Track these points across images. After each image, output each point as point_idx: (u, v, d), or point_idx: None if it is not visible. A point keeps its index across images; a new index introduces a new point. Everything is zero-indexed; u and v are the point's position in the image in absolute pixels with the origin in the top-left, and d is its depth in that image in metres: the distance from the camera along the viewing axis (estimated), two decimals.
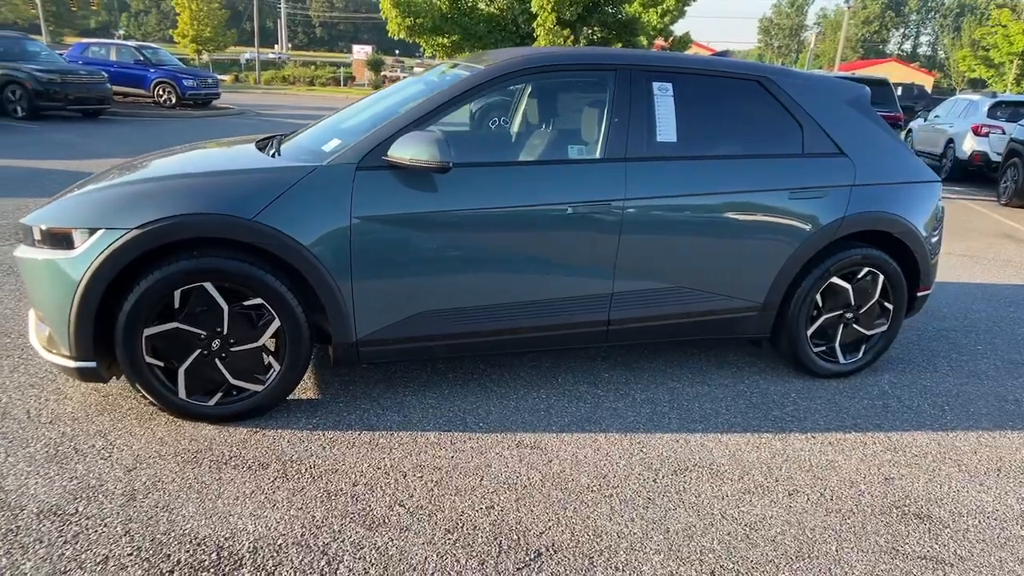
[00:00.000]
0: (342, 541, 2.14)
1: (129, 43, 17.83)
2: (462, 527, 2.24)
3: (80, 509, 2.19)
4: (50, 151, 9.30)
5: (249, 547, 2.09)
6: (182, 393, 2.67)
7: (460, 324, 2.91)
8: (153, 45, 19.93)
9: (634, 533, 2.26)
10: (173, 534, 2.11)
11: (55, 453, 2.48)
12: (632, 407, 3.12)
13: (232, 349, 2.67)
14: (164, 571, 1.97)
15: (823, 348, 3.53)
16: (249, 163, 2.92)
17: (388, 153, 2.66)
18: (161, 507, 2.23)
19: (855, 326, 3.53)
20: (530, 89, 3.76)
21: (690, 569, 2.12)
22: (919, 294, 3.63)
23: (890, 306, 3.55)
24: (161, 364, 2.63)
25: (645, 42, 10.33)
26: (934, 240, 3.60)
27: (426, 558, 2.09)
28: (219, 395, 2.72)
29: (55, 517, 2.14)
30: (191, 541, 2.09)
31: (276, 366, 2.75)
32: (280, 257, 2.61)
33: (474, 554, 2.12)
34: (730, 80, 3.27)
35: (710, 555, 2.18)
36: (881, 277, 3.46)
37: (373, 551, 2.11)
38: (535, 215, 2.88)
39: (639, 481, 2.56)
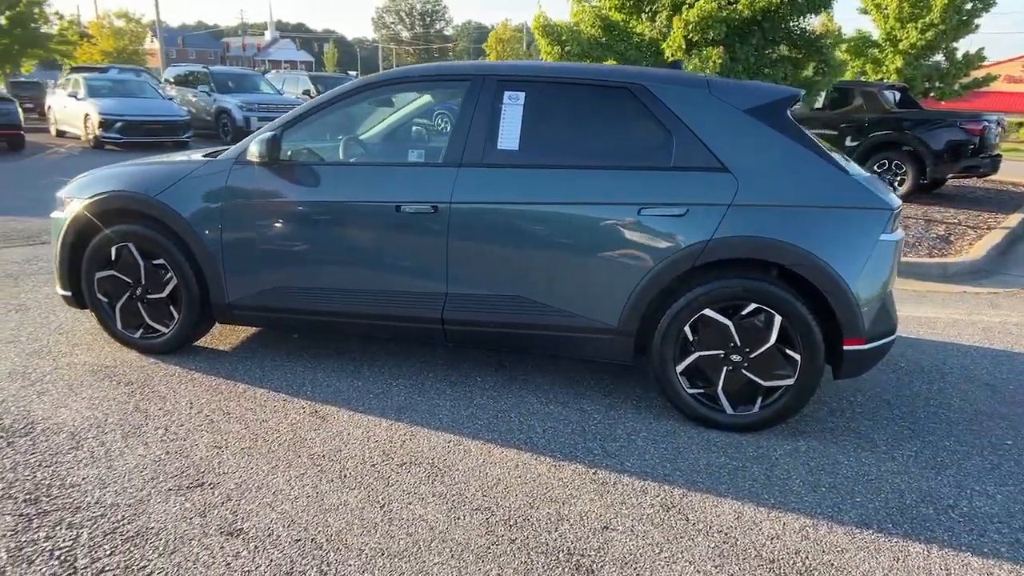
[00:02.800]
0: (115, 432, 2.78)
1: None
2: (184, 447, 2.71)
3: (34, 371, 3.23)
4: None
5: (50, 424, 2.86)
6: (119, 325, 3.62)
7: (310, 302, 3.35)
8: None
9: (314, 493, 2.47)
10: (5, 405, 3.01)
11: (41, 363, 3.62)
12: (449, 403, 3.18)
13: (148, 296, 3.53)
14: None
15: (701, 391, 3.06)
16: (175, 161, 3.75)
17: (246, 150, 3.26)
18: (39, 391, 3.15)
19: (745, 372, 2.99)
20: (410, 99, 3.93)
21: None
22: (846, 347, 2.91)
23: (796, 356, 2.92)
24: (107, 300, 3.61)
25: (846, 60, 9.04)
26: (871, 280, 2.86)
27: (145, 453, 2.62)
28: (141, 330, 3.60)
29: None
30: (25, 417, 2.95)
31: (176, 315, 3.53)
32: (170, 226, 3.38)
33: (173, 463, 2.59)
34: (595, 88, 3.11)
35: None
36: (777, 318, 2.89)
37: (124, 438, 2.70)
38: (367, 210, 3.19)
39: (361, 463, 2.70)
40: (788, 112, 2.97)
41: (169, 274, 3.45)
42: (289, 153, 3.33)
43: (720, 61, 7.31)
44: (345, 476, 2.60)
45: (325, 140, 3.44)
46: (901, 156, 9.42)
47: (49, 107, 15.21)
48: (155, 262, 3.46)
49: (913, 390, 3.63)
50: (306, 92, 18.20)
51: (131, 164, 3.78)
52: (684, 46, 7.20)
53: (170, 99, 15.09)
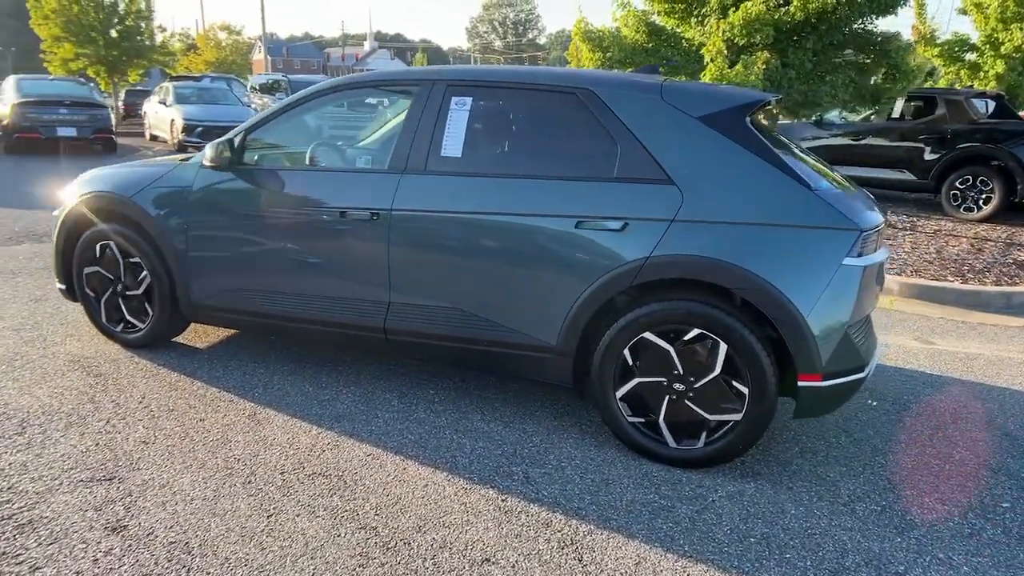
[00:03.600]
0: (60, 421, 2.91)
1: None
2: (114, 437, 2.79)
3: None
4: None
5: (8, 409, 3.02)
6: (103, 318, 3.80)
7: (265, 306, 3.37)
8: None
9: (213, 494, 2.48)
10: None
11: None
12: (389, 415, 3.11)
13: (126, 292, 3.69)
14: None
15: (642, 420, 2.83)
16: (159, 163, 3.87)
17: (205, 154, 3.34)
18: (16, 377, 3.35)
19: (688, 403, 2.74)
20: (372, 104, 3.84)
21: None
22: (799, 383, 2.61)
23: (743, 389, 2.65)
24: (93, 295, 3.79)
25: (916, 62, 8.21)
26: (830, 309, 2.54)
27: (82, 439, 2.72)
28: (121, 325, 3.76)
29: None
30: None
31: (151, 312, 3.66)
32: (143, 226, 3.51)
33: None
34: (543, 93, 2.96)
35: None
36: (723, 346, 2.62)
37: (66, 427, 2.82)
38: (316, 216, 3.17)
39: (271, 470, 2.68)
40: (747, 119, 2.71)
41: (144, 272, 3.59)
42: (256, 158, 3.38)
43: (766, 67, 6.88)
44: (249, 482, 2.59)
45: (302, 144, 3.45)
46: (989, 171, 8.51)
47: (144, 113, 16.54)
48: (131, 260, 3.61)
49: (912, 435, 3.22)
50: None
51: (127, 165, 3.97)
52: (725, 51, 6.82)
53: (250, 105, 15.98)
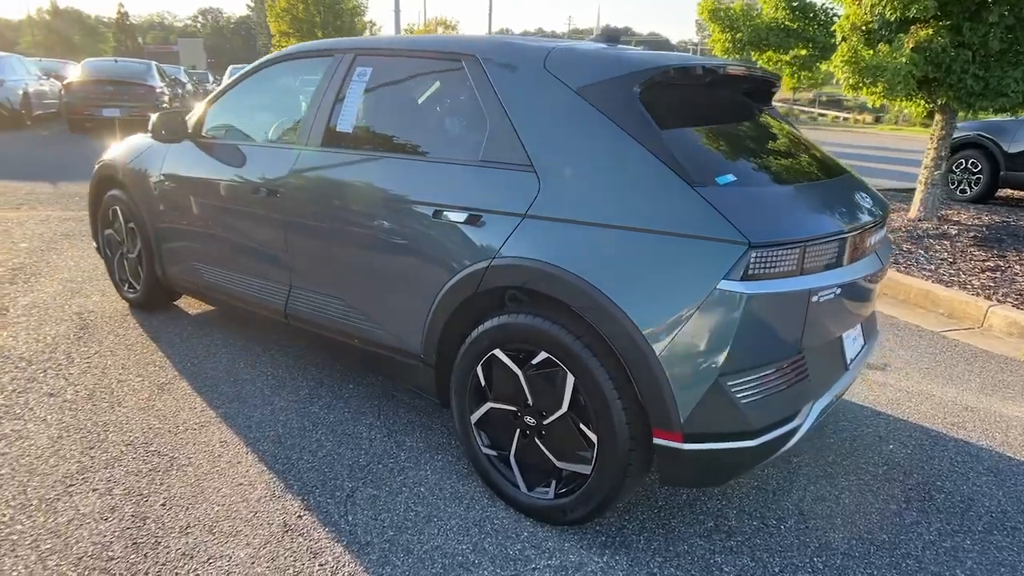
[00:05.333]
0: (32, 357, 3.21)
1: None
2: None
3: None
4: None
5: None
6: (116, 276, 4.13)
7: (208, 279, 3.40)
8: None
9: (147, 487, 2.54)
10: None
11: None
12: (280, 404, 2.95)
13: (128, 256, 3.96)
14: None
15: (496, 453, 2.34)
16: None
17: None
18: (26, 321, 3.76)
19: (538, 442, 2.20)
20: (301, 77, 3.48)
21: None
22: (656, 440, 1.95)
23: (592, 436, 2.06)
24: (109, 255, 4.14)
25: None
26: (694, 348, 1.85)
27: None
28: (126, 285, 4.06)
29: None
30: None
31: (141, 276, 3.89)
32: (132, 194, 3.73)
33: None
34: (434, 61, 2.55)
35: None
36: (570, 378, 2.06)
37: (27, 363, 3.11)
38: (236, 190, 3.10)
39: (125, 435, 2.66)
40: (635, 90, 2.06)
41: (139, 237, 3.83)
42: (207, 131, 3.41)
43: (928, 46, 5.51)
44: (91, 446, 2.59)
45: (244, 119, 3.40)
46: None
47: None
48: (130, 225, 3.87)
49: (886, 517, 2.31)
50: None
51: (144, 135, 4.24)
52: (864, 27, 5.57)
53: None
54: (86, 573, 1.96)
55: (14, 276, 4.55)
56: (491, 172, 2.24)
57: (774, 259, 1.84)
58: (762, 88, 2.77)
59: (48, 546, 2.06)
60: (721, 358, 1.84)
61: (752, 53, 7.38)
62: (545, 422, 2.16)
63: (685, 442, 1.90)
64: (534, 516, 2.26)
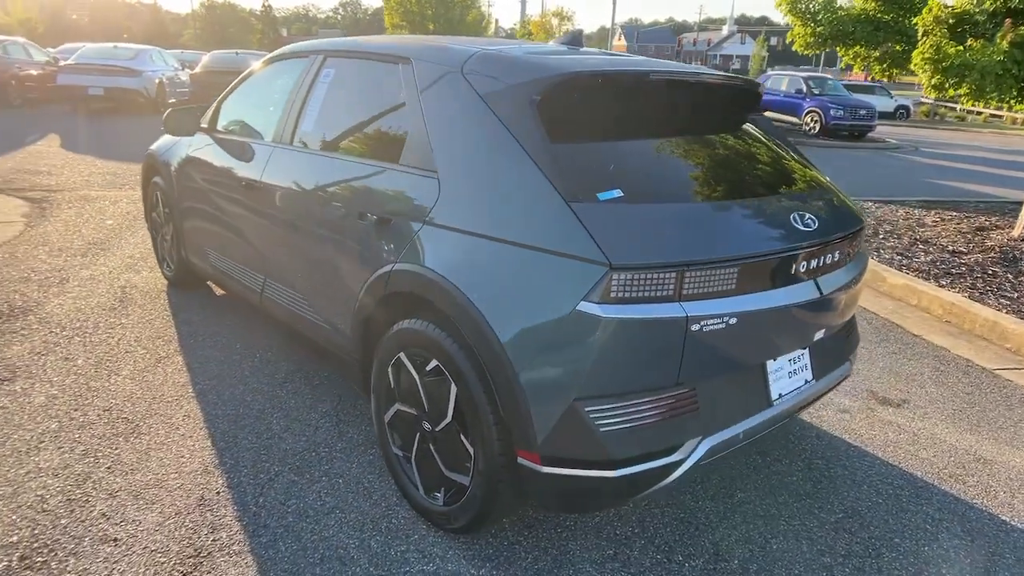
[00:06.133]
0: (73, 321, 3.64)
1: (799, 74, 18.83)
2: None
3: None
4: None
5: (35, 307, 3.86)
6: (157, 254, 4.53)
7: (214, 263, 3.66)
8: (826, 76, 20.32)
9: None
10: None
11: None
12: (250, 385, 3.14)
13: (166, 237, 4.33)
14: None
15: (402, 453, 2.38)
16: None
17: None
18: (77, 289, 4.23)
19: (432, 450, 2.21)
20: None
21: None
22: (519, 459, 1.90)
23: (469, 448, 2.04)
24: (153, 234, 4.54)
25: None
26: (552, 369, 1.78)
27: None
28: (165, 263, 4.45)
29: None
30: (36, 301, 4.02)
31: (173, 255, 4.25)
32: (164, 183, 4.08)
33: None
34: (380, 64, 2.59)
35: None
36: (454, 388, 2.05)
37: (62, 327, 3.53)
38: (221, 179, 3.32)
39: (107, 401, 2.94)
40: (536, 97, 1.99)
41: (171, 220, 4.19)
42: (223, 126, 3.65)
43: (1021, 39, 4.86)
44: (75, 409, 2.89)
45: (249, 114, 3.61)
46: None
47: None
48: (165, 209, 4.24)
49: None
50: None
51: None
52: (951, 21, 4.98)
53: None
54: (18, 519, 2.21)
55: (88, 250, 5.12)
56: (405, 176, 2.27)
57: (641, 283, 1.74)
58: (743, 95, 2.60)
59: (6, 493, 2.34)
60: (577, 382, 1.77)
61: (838, 48, 6.78)
62: (437, 429, 2.17)
63: (543, 464, 1.85)
64: (428, 520, 2.28)
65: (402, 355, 2.26)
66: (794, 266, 2.02)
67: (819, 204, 2.25)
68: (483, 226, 1.96)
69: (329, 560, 2.12)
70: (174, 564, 2.07)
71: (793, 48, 7.42)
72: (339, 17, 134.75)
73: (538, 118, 1.97)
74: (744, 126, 2.55)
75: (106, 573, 2.02)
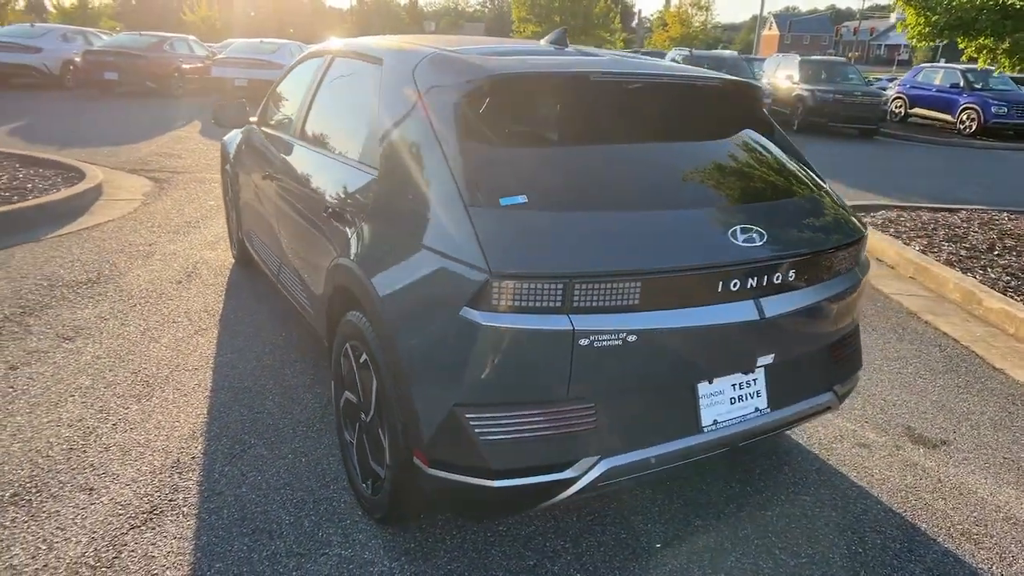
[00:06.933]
0: (142, 291, 4.12)
1: (957, 66, 16.75)
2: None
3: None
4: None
5: (110, 277, 4.37)
6: (230, 236, 4.96)
7: (256, 247, 3.96)
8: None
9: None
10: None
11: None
12: (236, 351, 3.37)
13: (231, 218, 4.73)
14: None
15: (350, 440, 2.46)
16: None
17: None
18: (159, 263, 4.74)
19: (365, 439, 2.28)
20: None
21: None
22: (415, 458, 1.91)
23: (385, 442, 2.08)
24: (228, 214, 4.97)
25: None
26: (436, 372, 1.77)
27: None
28: (231, 242, 4.85)
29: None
30: (114, 271, 4.55)
31: (234, 236, 4.63)
32: (228, 168, 4.45)
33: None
34: (366, 64, 2.66)
35: None
36: (375, 382, 2.10)
37: (131, 296, 4.02)
38: (258, 174, 3.56)
39: (132, 363, 3.29)
40: (464, 98, 1.97)
41: (235, 203, 4.57)
42: (265, 119, 3.92)
43: None
44: (103, 377, 3.26)
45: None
46: None
47: None
48: (229, 195, 4.62)
49: None
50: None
51: None
52: None
53: None
54: (25, 461, 2.55)
55: (181, 228, 5.70)
56: (357, 173, 2.34)
57: (525, 292, 1.68)
58: (735, 96, 2.42)
59: (22, 435, 2.71)
60: (458, 388, 1.76)
61: (957, 40, 5.92)
62: (367, 420, 2.24)
63: (429, 466, 1.85)
64: (362, 507, 2.36)
65: (348, 345, 2.34)
66: (721, 284, 1.86)
67: (780, 219, 2.04)
68: (399, 224, 1.99)
69: (260, 532, 2.25)
70: (128, 516, 2.29)
71: (905, 41, 6.59)
72: (486, 11, 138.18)
73: (459, 119, 1.96)
74: (731, 130, 2.37)
75: (72, 516, 2.28)
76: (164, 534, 2.23)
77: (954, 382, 3.66)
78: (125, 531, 2.23)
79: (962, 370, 3.82)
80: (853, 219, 2.34)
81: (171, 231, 5.57)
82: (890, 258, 5.94)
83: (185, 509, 2.35)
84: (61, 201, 5.89)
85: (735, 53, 19.27)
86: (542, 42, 2.74)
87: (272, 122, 3.70)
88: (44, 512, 2.30)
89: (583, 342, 1.72)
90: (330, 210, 2.42)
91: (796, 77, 15.86)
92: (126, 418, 2.88)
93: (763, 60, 20.32)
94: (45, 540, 2.17)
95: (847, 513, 2.53)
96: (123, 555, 2.13)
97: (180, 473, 2.54)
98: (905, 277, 5.56)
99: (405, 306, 1.89)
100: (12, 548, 2.13)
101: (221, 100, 4.05)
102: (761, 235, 1.94)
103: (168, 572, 2.07)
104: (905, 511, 2.56)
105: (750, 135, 2.39)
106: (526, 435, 1.78)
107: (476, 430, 1.77)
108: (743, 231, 1.92)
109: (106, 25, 37.94)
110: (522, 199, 1.81)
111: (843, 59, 18.82)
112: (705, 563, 2.23)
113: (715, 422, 2.01)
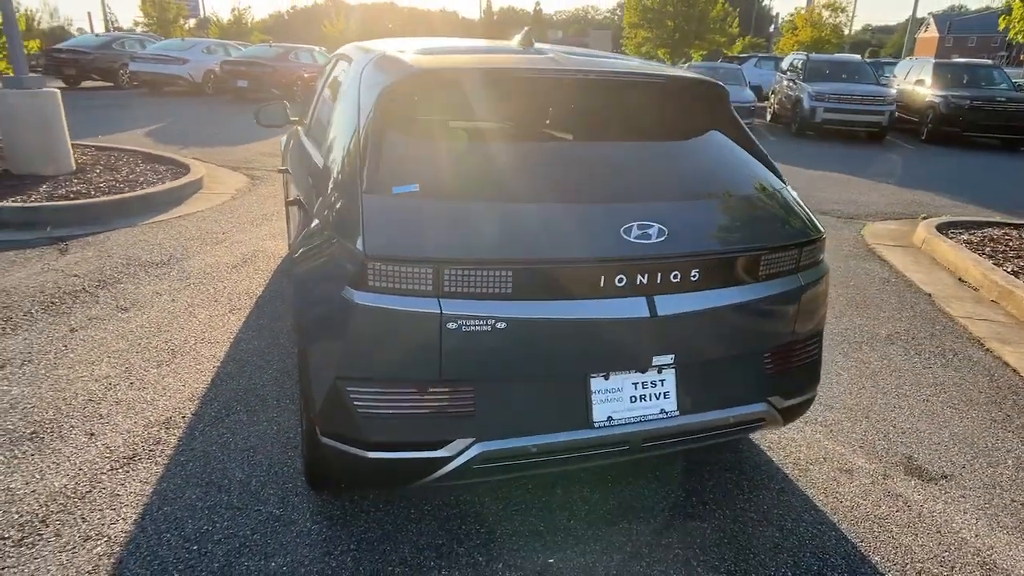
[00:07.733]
0: (196, 277, 4.63)
1: None
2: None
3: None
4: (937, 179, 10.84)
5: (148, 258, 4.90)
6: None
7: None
8: None
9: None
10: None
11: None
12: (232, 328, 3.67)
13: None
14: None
15: None
16: None
17: None
18: (211, 249, 5.26)
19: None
20: None
21: None
22: (314, 426, 2.05)
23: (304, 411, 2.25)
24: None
25: None
26: (327, 349, 1.90)
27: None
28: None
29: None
30: (174, 254, 5.09)
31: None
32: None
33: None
34: (348, 64, 2.84)
35: None
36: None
37: (185, 277, 4.53)
38: (292, 171, 3.88)
39: (166, 335, 3.70)
40: (387, 92, 2.09)
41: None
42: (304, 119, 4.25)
43: None
44: (136, 346, 3.69)
45: None
46: None
47: None
48: (285, 191, 5.03)
49: None
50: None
51: None
52: None
53: (755, 87, 15.82)
54: (54, 404, 2.97)
55: (255, 220, 6.25)
56: (316, 163, 2.53)
57: (397, 275, 1.79)
58: (687, 95, 2.40)
59: (58, 385, 3.15)
60: (339, 362, 1.89)
61: None
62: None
63: (321, 435, 1.99)
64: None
65: None
66: (604, 278, 1.86)
67: (694, 217, 2.00)
68: (321, 211, 2.15)
69: (211, 486, 2.50)
70: (113, 459, 2.62)
71: (1008, 37, 5.85)
72: (615, 18, 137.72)
73: (381, 113, 2.09)
74: (673, 128, 2.33)
75: (69, 455, 2.64)
76: (135, 478, 2.53)
77: (991, 415, 3.30)
78: (104, 471, 2.55)
79: (1008, 404, 3.43)
80: (802, 222, 2.22)
81: (246, 222, 6.13)
82: (974, 279, 5.39)
83: (159, 459, 2.65)
84: (162, 192, 6.65)
85: (857, 57, 17.91)
86: (512, 42, 2.81)
87: (303, 123, 4.03)
88: (49, 448, 2.68)
89: (451, 325, 1.79)
90: (302, 204, 2.64)
91: (928, 82, 14.60)
92: (143, 379, 3.26)
93: (894, 64, 18.84)
94: (40, 471, 2.54)
95: (792, 536, 2.39)
96: (95, 490, 2.45)
97: (167, 429, 2.85)
98: (986, 301, 5.02)
99: (308, 285, 2.05)
100: (14, 474, 2.52)
101: (265, 102, 4.45)
102: (662, 232, 1.92)
103: (125, 508, 2.36)
104: (861, 542, 2.37)
105: (709, 134, 2.34)
106: (401, 411, 1.88)
107: (355, 403, 1.89)
108: (640, 227, 1.91)
109: (257, 38, 41.73)
110: (414, 187, 1.92)
111: (989, 62, 17.00)
112: (611, 565, 2.20)
113: (610, 419, 2.00)
